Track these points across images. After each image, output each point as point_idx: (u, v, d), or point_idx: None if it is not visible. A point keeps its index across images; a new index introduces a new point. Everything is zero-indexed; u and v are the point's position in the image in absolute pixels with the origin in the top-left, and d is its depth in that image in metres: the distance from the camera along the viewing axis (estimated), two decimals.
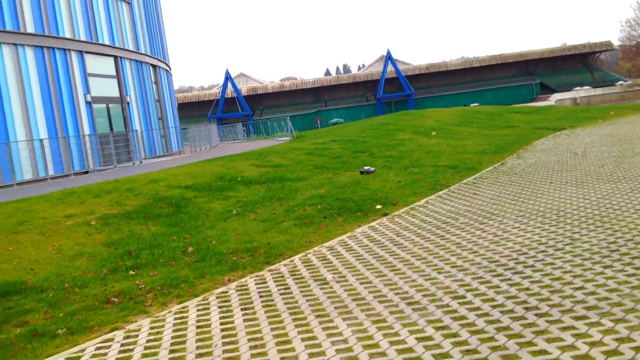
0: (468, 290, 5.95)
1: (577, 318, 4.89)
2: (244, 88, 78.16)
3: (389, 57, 74.13)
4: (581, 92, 70.44)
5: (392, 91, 76.53)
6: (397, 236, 8.84)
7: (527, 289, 5.79)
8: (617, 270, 6.01)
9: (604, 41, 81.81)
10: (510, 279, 6.16)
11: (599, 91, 70.60)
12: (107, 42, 24.22)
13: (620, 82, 77.24)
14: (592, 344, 4.36)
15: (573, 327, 4.71)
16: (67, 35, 21.82)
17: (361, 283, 6.62)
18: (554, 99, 67.56)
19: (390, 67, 74.64)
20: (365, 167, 15.46)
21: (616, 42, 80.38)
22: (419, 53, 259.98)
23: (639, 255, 6.42)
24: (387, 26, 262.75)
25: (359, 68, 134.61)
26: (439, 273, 6.68)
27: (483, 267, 6.71)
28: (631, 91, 69.24)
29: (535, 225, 8.49)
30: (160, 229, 10.21)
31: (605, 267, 6.18)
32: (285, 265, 7.82)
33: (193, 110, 76.48)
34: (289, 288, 6.73)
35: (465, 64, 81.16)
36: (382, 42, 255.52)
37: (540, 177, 12.94)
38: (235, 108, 73.94)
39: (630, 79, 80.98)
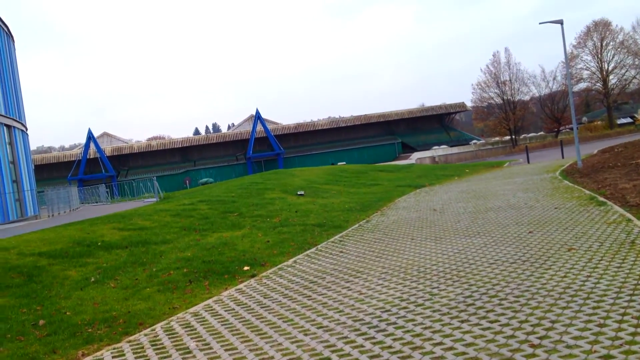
0: (333, 352, 5.92)
1: None
2: (108, 148, 75.72)
3: (258, 117, 75.19)
4: (439, 150, 75.17)
5: (262, 150, 77.39)
6: (265, 298, 8.71)
7: (390, 347, 5.86)
8: (473, 324, 6.25)
9: (458, 102, 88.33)
10: (374, 337, 6.21)
11: (455, 150, 75.73)
12: None
13: (474, 141, 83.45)
14: None
15: None
16: None
17: (226, 350, 6.39)
18: (414, 157, 71.44)
19: (259, 127, 75.65)
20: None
21: (469, 104, 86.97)
22: (288, 113, 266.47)
23: (493, 309, 6.73)
24: (256, 86, 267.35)
25: (229, 127, 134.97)
26: (305, 335, 6.62)
27: (348, 327, 6.73)
28: (484, 149, 74.90)
29: (398, 282, 8.71)
30: (9, 301, 9.40)
31: (462, 321, 6.42)
32: (145, 335, 7.42)
33: (52, 171, 72.80)
34: None
35: (332, 123, 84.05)
36: (252, 101, 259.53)
37: (402, 234, 13.41)
38: (99, 169, 71.37)
39: (483, 138, 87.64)
